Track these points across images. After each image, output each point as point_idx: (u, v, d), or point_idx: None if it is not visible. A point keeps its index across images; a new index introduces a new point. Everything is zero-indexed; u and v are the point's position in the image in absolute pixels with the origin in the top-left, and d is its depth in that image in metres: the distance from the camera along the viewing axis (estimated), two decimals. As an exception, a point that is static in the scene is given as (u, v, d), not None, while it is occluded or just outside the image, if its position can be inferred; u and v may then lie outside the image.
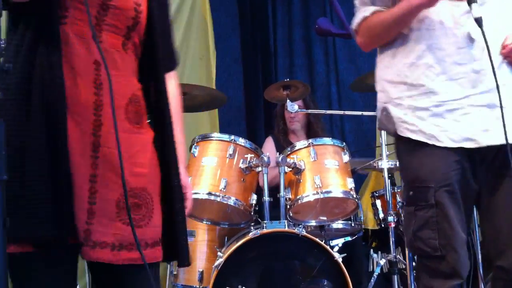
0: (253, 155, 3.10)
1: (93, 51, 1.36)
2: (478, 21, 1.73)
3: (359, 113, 3.53)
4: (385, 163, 3.13)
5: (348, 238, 3.60)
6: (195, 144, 3.18)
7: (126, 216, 1.34)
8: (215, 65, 4.74)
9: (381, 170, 3.19)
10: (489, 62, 1.76)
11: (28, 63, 1.31)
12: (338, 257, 2.76)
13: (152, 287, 1.37)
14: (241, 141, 3.14)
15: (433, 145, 1.90)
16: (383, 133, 3.18)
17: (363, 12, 2.00)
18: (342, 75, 5.14)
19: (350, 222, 3.46)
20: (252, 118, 4.98)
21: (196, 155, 3.13)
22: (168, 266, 3.32)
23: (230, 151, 3.08)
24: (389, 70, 1.99)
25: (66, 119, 1.32)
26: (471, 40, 1.88)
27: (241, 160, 3.08)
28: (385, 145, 3.19)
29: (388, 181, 3.20)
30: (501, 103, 1.77)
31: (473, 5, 1.74)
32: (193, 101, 3.50)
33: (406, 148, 1.98)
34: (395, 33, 1.97)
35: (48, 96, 1.30)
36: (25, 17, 1.34)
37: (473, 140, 1.87)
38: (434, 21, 1.91)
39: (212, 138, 3.19)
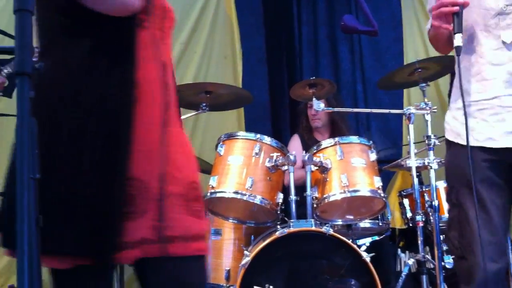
0: (279, 154, 3.09)
1: (161, 53, 1.43)
2: (457, 50, 1.85)
3: (386, 111, 3.49)
4: (413, 161, 3.09)
5: (376, 238, 3.56)
6: (220, 143, 3.18)
7: (192, 208, 1.39)
8: (241, 65, 4.75)
9: (409, 168, 3.15)
10: None
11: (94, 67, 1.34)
12: (366, 257, 2.74)
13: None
14: (267, 139, 3.14)
15: (459, 144, 1.91)
16: (411, 131, 3.14)
17: (428, 24, 2.10)
18: (368, 73, 5.09)
19: (377, 221, 3.43)
20: (278, 117, 4.98)
21: (222, 153, 3.13)
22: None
23: (256, 149, 3.07)
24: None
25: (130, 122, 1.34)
26: (503, 42, 1.89)
27: (267, 159, 3.07)
28: (413, 143, 3.15)
29: (416, 180, 3.16)
30: None
31: (456, 35, 1.84)
32: (219, 100, 3.51)
33: (446, 148, 2.06)
34: (443, 46, 2.08)
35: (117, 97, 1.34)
36: (94, 21, 1.35)
37: (495, 140, 1.86)
38: (466, 26, 1.94)
39: (238, 137, 3.19)
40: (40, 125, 0.95)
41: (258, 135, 3.13)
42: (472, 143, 1.86)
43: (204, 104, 3.43)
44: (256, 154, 3.07)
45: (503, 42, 1.88)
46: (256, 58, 5.02)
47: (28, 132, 0.90)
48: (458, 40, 1.84)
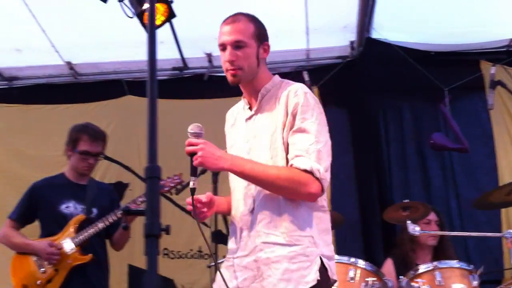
0: (375, 279, 3.03)
1: None
2: (192, 191, 2.01)
3: (485, 234, 3.36)
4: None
5: None
6: (314, 267, 3.15)
7: None
8: (330, 184, 4.78)
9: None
10: None
11: None
12: None
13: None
14: (362, 263, 3.09)
15: None
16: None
17: None
18: (461, 189, 4.96)
19: None
20: (369, 236, 4.89)
21: (316, 278, 3.09)
22: None
23: (351, 274, 3.03)
24: None
25: None
26: None
27: (363, 284, 3.01)
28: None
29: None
30: None
31: (191, 177, 2.02)
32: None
33: None
34: None
35: None
36: None
37: None
38: None
39: (331, 261, 3.15)
40: None
41: (352, 259, 3.10)
42: None
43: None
44: (351, 278, 3.02)
45: None
46: (344, 175, 5.05)
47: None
48: (192, 183, 2.02)
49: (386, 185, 5.07)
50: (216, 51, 4.80)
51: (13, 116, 5.15)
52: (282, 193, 2.06)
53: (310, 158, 2.01)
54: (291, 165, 2.02)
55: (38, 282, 3.34)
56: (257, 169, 2.04)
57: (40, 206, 3.54)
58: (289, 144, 2.06)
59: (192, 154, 1.99)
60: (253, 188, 2.12)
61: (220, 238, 3.53)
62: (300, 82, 3.72)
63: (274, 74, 2.29)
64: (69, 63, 5.10)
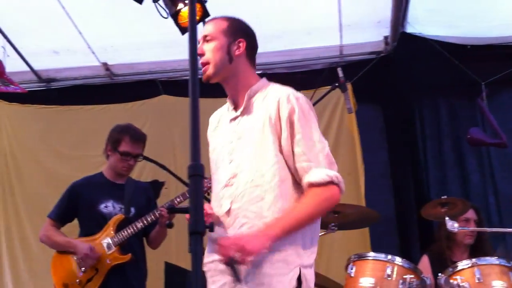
0: (412, 276, 3.00)
1: None
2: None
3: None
4: None
5: None
6: (351, 264, 3.16)
7: None
8: (363, 181, 4.76)
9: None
10: None
11: None
12: None
13: None
14: (399, 260, 3.07)
15: None
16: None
17: None
18: (500, 185, 4.87)
19: None
20: (405, 233, 4.84)
21: (352, 275, 3.10)
22: None
23: (388, 271, 3.01)
24: None
25: None
26: None
27: (400, 281, 2.99)
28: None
29: None
30: None
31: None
32: (346, 219, 3.52)
33: None
34: None
35: None
36: None
37: None
38: None
39: (368, 258, 3.15)
40: None
41: (389, 256, 3.09)
42: None
43: (333, 224, 3.45)
44: (388, 276, 3.00)
45: None
46: (379, 172, 5.02)
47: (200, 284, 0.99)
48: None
49: (422, 181, 5.01)
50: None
51: (52, 117, 5.28)
52: (319, 217, 2.09)
53: (322, 166, 2.00)
54: (308, 183, 1.99)
55: (78, 281, 3.40)
56: (295, 217, 1.98)
57: (79, 205, 3.60)
58: (294, 154, 2.02)
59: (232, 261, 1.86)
60: (232, 189, 2.07)
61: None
62: (334, 78, 3.77)
63: (262, 77, 2.24)
64: (105, 64, 5.20)
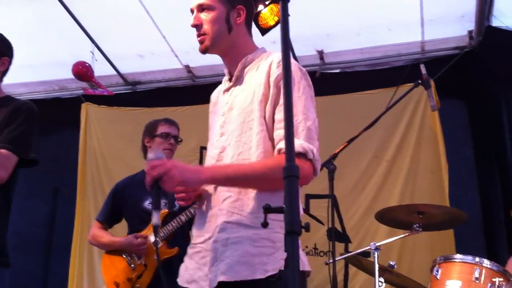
0: (502, 279, 2.90)
1: None
2: (155, 229, 1.79)
3: None
4: None
5: None
6: (436, 266, 3.09)
7: None
8: (447, 179, 4.64)
9: None
10: None
11: None
12: None
13: None
14: (487, 263, 2.97)
15: None
16: None
17: None
18: None
19: None
20: (492, 234, 4.67)
21: (438, 277, 3.03)
22: None
23: (476, 274, 2.92)
24: None
25: None
26: None
27: (489, 284, 2.90)
28: None
29: None
30: None
31: (154, 212, 1.79)
32: (431, 220, 3.43)
33: None
34: None
35: None
36: None
37: None
38: None
39: (455, 260, 3.07)
40: None
41: (477, 258, 2.99)
42: None
43: (417, 225, 3.38)
44: (476, 279, 2.92)
45: None
46: (464, 170, 4.87)
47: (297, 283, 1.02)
48: (154, 218, 1.81)
49: (510, 179, 4.81)
50: (327, 48, 4.85)
51: (138, 119, 5.44)
52: (275, 185, 1.74)
53: (300, 138, 1.79)
54: (280, 150, 1.81)
55: (129, 278, 3.44)
56: (242, 168, 1.83)
57: (124, 205, 3.64)
58: (274, 122, 1.85)
59: (157, 181, 1.77)
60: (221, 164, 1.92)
61: (336, 235, 3.53)
62: (417, 75, 3.69)
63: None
64: (187, 66, 5.35)
